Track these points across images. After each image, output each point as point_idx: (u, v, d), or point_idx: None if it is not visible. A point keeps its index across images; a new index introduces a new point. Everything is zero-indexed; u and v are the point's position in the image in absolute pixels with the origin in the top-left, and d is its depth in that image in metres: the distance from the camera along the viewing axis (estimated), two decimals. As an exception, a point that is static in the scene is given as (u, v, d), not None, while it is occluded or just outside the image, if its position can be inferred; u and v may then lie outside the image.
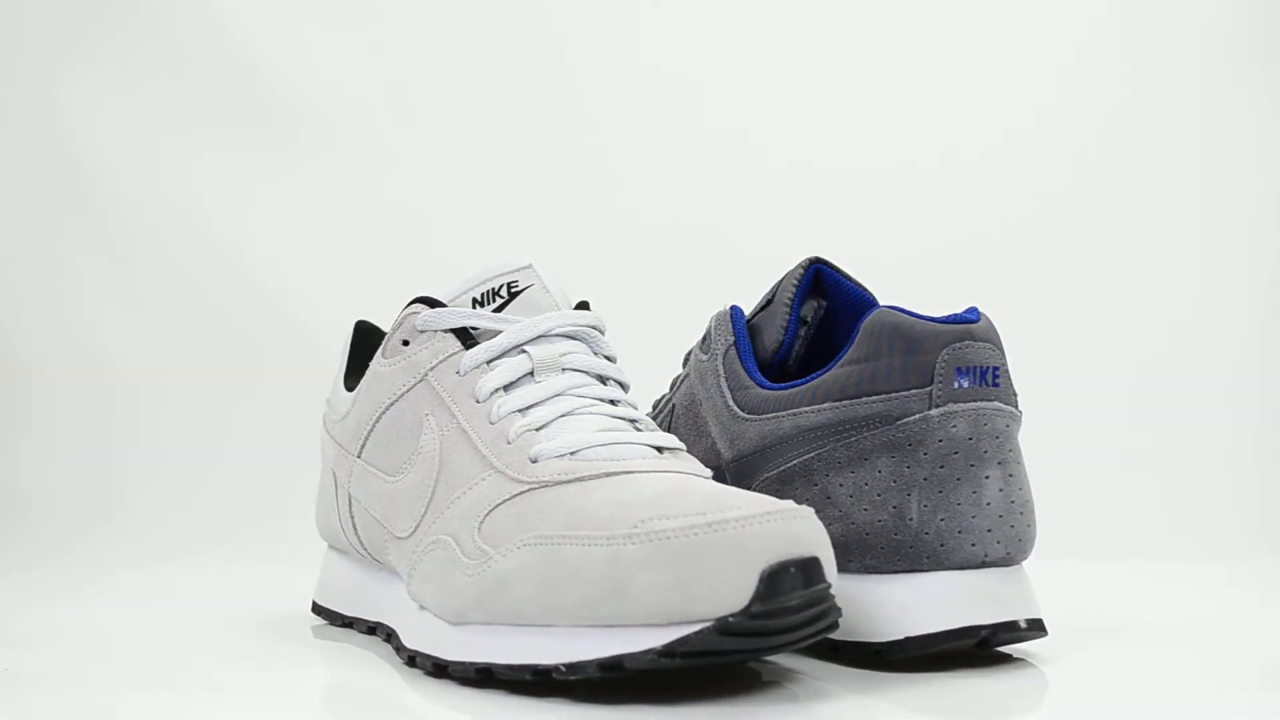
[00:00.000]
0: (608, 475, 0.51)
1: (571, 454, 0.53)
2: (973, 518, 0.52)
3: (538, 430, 0.54)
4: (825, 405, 0.55)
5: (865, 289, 0.61)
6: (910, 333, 0.53)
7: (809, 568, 0.47)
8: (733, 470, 0.60)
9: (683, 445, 0.56)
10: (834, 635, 0.53)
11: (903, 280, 1.17)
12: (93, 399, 1.22)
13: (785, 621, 0.47)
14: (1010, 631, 0.52)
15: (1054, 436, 1.11)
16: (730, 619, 0.46)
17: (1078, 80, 1.21)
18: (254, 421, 1.19)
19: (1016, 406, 0.54)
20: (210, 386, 1.21)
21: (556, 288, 0.59)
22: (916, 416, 0.53)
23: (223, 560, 0.97)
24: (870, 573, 0.54)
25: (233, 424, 1.19)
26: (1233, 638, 0.64)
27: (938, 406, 0.52)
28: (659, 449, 0.54)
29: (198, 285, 1.24)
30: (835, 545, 0.53)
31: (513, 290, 0.58)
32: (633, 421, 0.56)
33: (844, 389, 0.55)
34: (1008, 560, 0.53)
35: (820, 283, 0.62)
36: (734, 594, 0.46)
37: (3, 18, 1.28)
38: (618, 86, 1.26)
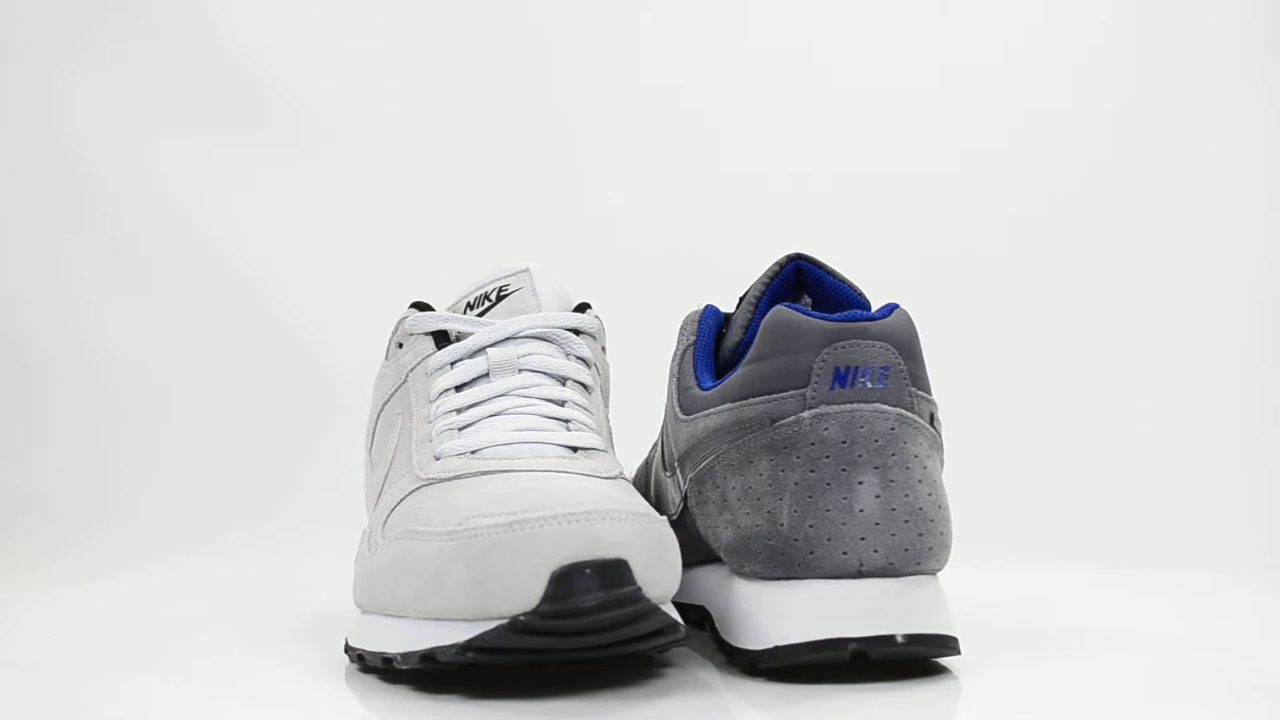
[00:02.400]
0: (485, 474, 0.52)
1: (472, 452, 0.54)
2: (843, 525, 0.50)
3: (460, 430, 0.56)
4: (724, 407, 0.54)
5: (851, 286, 0.59)
6: (795, 331, 0.51)
7: (609, 570, 0.46)
8: (679, 470, 0.59)
9: (607, 447, 0.56)
10: (732, 642, 0.53)
11: (902, 281, 1.18)
12: (92, 399, 1.22)
13: (580, 623, 0.46)
14: (885, 646, 0.49)
15: (1053, 436, 1.12)
16: (521, 618, 0.46)
17: (1077, 80, 1.21)
18: (254, 421, 1.19)
19: (913, 409, 0.51)
20: (210, 386, 1.21)
21: (549, 291, 0.60)
22: (790, 419, 0.51)
23: (222, 560, 0.97)
24: (758, 579, 0.52)
25: (232, 424, 1.19)
26: (1175, 651, 0.61)
27: (810, 408, 0.51)
28: (574, 449, 0.55)
29: (198, 286, 1.25)
30: (730, 550, 0.52)
31: (502, 294, 0.60)
32: (566, 422, 0.56)
33: (739, 390, 0.53)
34: (891, 570, 0.50)
35: (803, 279, 0.60)
36: (525, 593, 0.46)
37: (3, 18, 1.28)
38: (618, 87, 1.26)
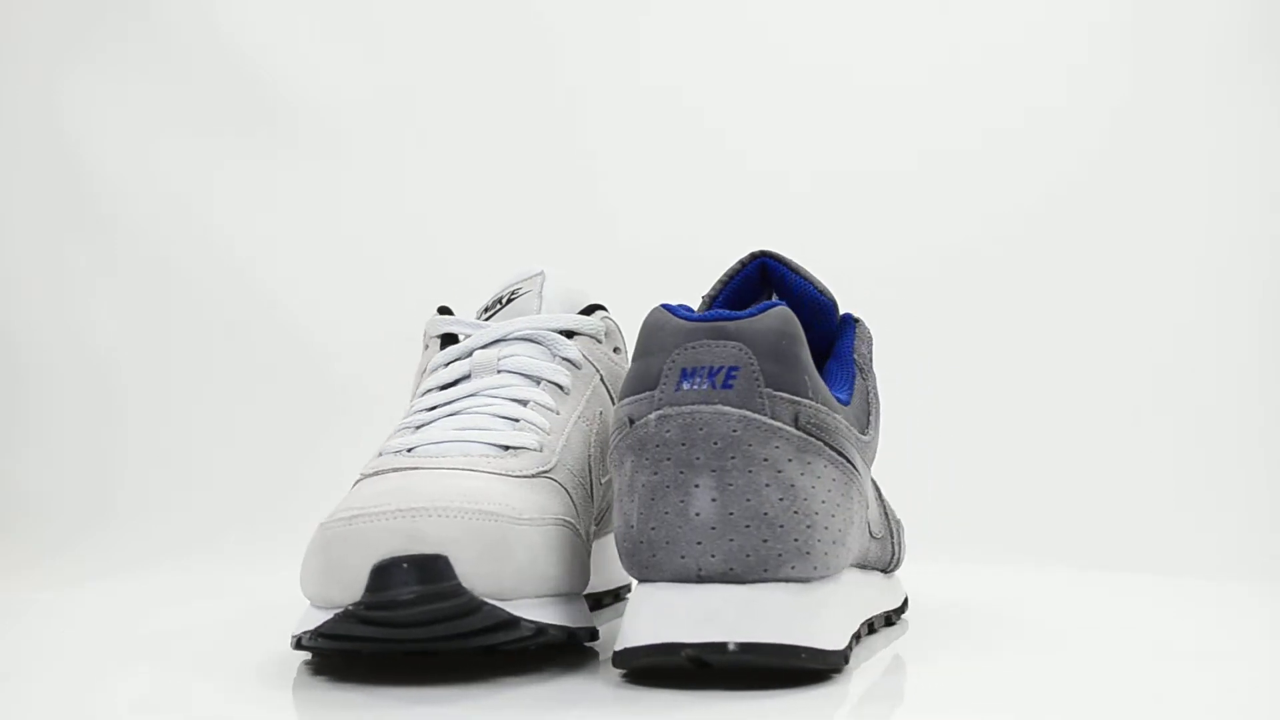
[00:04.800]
0: (396, 470, 0.54)
1: (408, 450, 0.56)
2: (679, 528, 0.49)
3: (415, 429, 0.57)
4: (616, 406, 0.54)
5: (815, 284, 0.58)
6: (658, 331, 0.51)
7: (426, 565, 0.48)
8: None
9: (544, 445, 0.57)
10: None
11: (902, 280, 1.18)
12: (92, 399, 1.22)
13: (399, 615, 0.48)
14: (718, 653, 0.48)
15: (1053, 436, 1.12)
16: (350, 608, 0.49)
17: (1077, 80, 1.21)
18: (254, 421, 1.19)
19: (764, 411, 0.49)
20: (210, 386, 1.21)
21: (554, 294, 0.62)
22: (642, 420, 0.50)
23: (222, 560, 0.97)
24: (636, 580, 0.52)
25: (232, 424, 1.19)
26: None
27: (657, 410, 0.50)
28: (505, 447, 0.56)
29: (198, 286, 1.25)
30: (618, 548, 0.52)
31: (512, 297, 0.62)
32: (516, 420, 0.57)
33: (622, 390, 0.53)
34: (733, 576, 0.48)
35: (768, 277, 0.59)
36: (354, 584, 0.49)
37: (3, 18, 1.28)
38: (621, 89, 1.26)
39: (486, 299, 0.64)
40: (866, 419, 0.57)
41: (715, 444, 0.49)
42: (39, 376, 1.24)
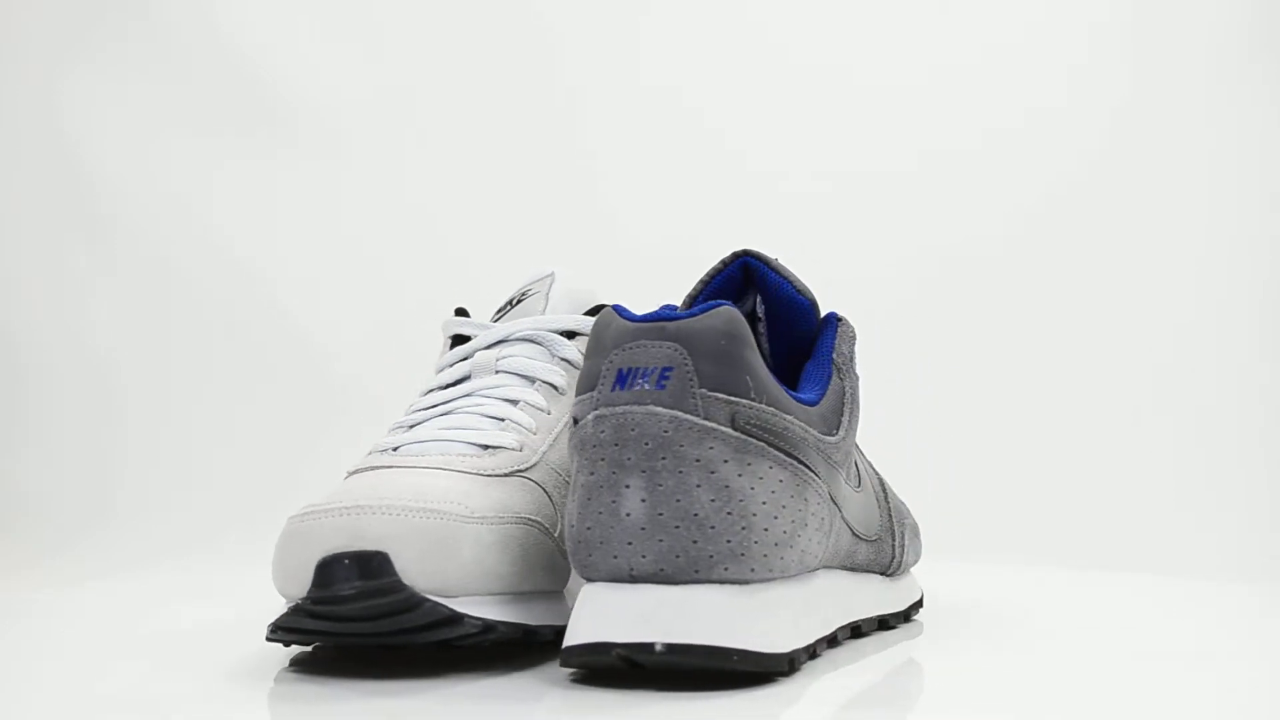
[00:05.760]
0: (373, 469, 0.55)
1: (395, 449, 0.57)
2: (611, 528, 0.49)
3: (409, 428, 0.59)
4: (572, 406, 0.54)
5: (794, 283, 0.58)
6: (602, 332, 0.51)
7: (366, 561, 0.49)
8: None
9: (517, 446, 0.57)
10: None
11: (903, 280, 1.18)
12: (92, 399, 1.22)
13: (342, 610, 0.50)
14: (647, 654, 0.48)
15: (1053, 437, 1.12)
16: (299, 602, 0.51)
17: (1077, 80, 1.21)
18: (254, 421, 1.19)
19: (697, 411, 0.49)
20: (210, 386, 1.21)
21: (561, 295, 0.62)
22: (582, 421, 0.51)
23: (222, 560, 0.97)
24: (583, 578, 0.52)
25: (232, 424, 1.19)
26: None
27: (594, 410, 0.50)
28: (485, 446, 0.57)
29: (199, 286, 1.25)
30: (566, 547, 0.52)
31: (521, 298, 0.63)
32: (502, 420, 0.58)
33: (576, 390, 0.53)
34: (663, 577, 0.48)
35: (750, 276, 0.59)
36: (302, 579, 0.50)
37: (3, 18, 1.28)
38: (621, 88, 1.26)
39: (502, 300, 0.65)
40: (838, 420, 0.56)
41: (646, 444, 0.49)
42: (39, 376, 1.24)
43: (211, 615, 0.71)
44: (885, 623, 0.64)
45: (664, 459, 0.49)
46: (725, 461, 0.49)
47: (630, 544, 0.48)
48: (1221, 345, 1.12)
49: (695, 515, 0.48)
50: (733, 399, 0.49)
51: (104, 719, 0.50)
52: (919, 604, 0.68)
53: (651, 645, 0.48)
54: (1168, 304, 1.14)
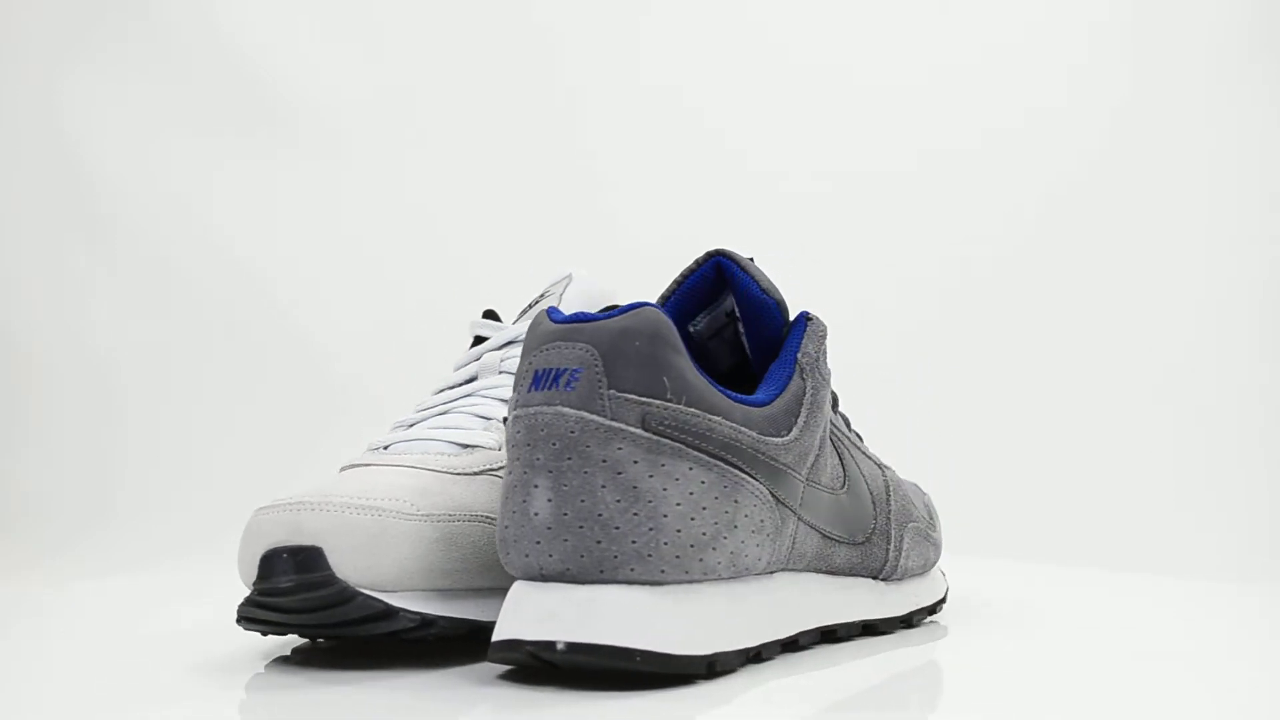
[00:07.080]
0: (355, 465, 0.57)
1: (385, 448, 0.58)
2: (523, 527, 0.49)
3: (408, 426, 0.60)
4: None
5: (760, 283, 0.57)
6: (529, 334, 0.51)
7: (302, 555, 0.51)
8: None
9: (495, 445, 0.58)
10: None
11: (903, 280, 1.18)
12: (92, 399, 1.22)
13: (282, 602, 0.52)
14: (549, 652, 0.48)
15: (1053, 437, 1.12)
16: (249, 593, 0.53)
17: (1077, 80, 1.21)
18: (254, 421, 1.19)
19: (605, 412, 0.49)
20: (210, 386, 1.21)
21: (576, 295, 0.63)
22: (506, 421, 0.51)
23: (222, 560, 0.97)
24: None
25: (232, 424, 1.19)
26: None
27: (513, 411, 0.50)
28: (464, 445, 0.58)
29: (198, 286, 1.25)
30: None
31: (539, 300, 0.64)
32: (489, 420, 0.59)
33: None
34: (570, 576, 0.48)
35: (722, 276, 0.58)
36: (250, 571, 0.52)
37: (3, 18, 1.28)
38: (621, 88, 1.26)
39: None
40: (791, 421, 0.55)
41: (554, 445, 0.49)
42: (39, 376, 1.24)
43: (211, 615, 0.71)
44: (870, 626, 0.62)
45: (570, 459, 0.49)
46: (635, 462, 0.49)
47: (539, 543, 0.49)
48: (1222, 345, 1.12)
49: (599, 516, 0.48)
50: (644, 400, 0.49)
51: (103, 718, 0.50)
52: (932, 609, 0.66)
53: (554, 644, 0.48)
54: (1168, 304, 1.14)
